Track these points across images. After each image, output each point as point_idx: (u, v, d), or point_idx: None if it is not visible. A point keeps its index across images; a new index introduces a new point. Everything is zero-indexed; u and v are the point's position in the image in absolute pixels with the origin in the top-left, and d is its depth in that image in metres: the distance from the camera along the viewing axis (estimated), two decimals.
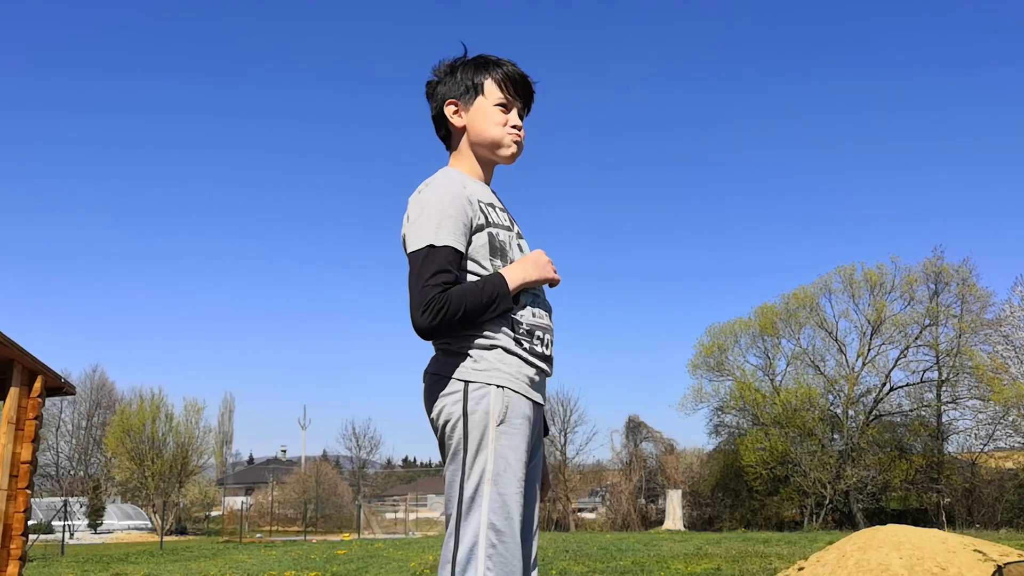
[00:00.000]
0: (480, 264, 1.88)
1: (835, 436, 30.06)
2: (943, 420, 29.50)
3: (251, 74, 66.31)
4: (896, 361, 29.72)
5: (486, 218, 1.92)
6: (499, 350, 1.83)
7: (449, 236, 1.80)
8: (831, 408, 30.33)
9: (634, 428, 34.63)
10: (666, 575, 9.60)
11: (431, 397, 1.86)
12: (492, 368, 1.81)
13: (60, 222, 63.41)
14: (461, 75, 2.03)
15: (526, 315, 1.90)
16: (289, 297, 73.77)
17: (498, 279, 1.82)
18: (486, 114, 2.01)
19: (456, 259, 1.81)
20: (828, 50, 54.98)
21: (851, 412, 29.71)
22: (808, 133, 55.15)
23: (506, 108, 2.03)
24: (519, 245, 2.00)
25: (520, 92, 2.05)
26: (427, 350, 1.92)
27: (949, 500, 28.33)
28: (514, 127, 2.03)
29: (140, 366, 74.55)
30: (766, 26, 57.43)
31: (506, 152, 2.04)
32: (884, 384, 29.97)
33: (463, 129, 2.03)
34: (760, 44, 57.37)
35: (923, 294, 29.63)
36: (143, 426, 35.67)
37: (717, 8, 60.10)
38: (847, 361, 30.67)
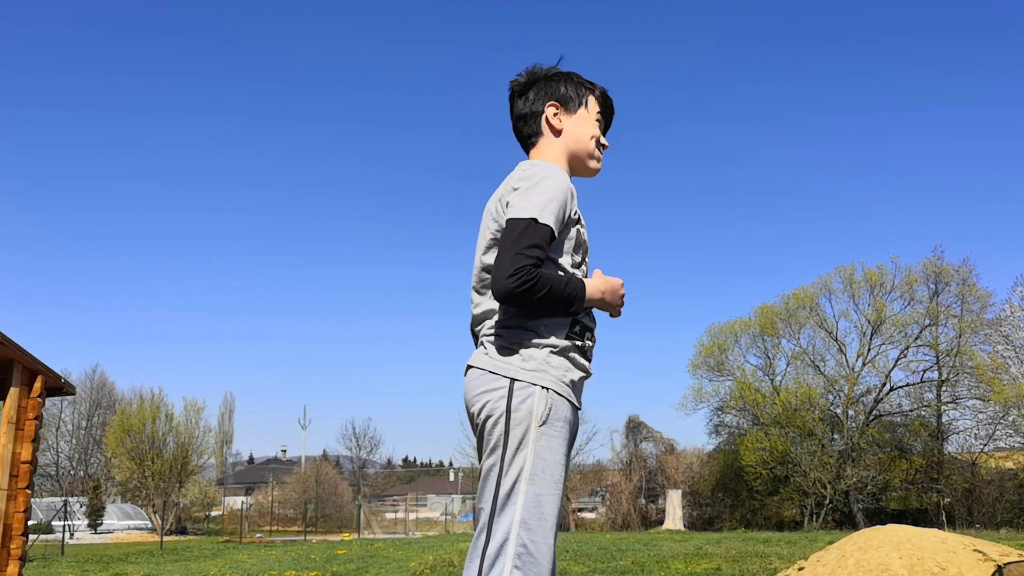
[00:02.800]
0: (563, 253, 1.93)
1: (835, 436, 30.06)
2: (943, 420, 29.51)
3: (250, 73, 66.34)
4: (896, 361, 29.75)
5: (579, 214, 1.99)
6: (548, 350, 1.85)
7: (552, 218, 1.84)
8: (831, 408, 30.33)
9: (634, 428, 34.62)
10: (666, 575, 9.60)
11: (474, 390, 1.86)
12: (539, 369, 1.83)
13: (60, 222, 63.46)
14: (564, 84, 2.10)
15: (583, 316, 1.95)
16: (289, 297, 73.80)
17: (581, 284, 1.87)
18: (587, 125, 2.09)
19: (550, 241, 1.84)
20: (828, 50, 55.01)
21: (851, 412, 29.71)
22: (808, 133, 55.18)
23: (599, 126, 2.12)
24: None
25: (608, 116, 2.16)
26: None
27: (949, 500, 28.33)
28: (603, 145, 2.13)
29: (140, 366, 74.61)
30: (766, 26, 57.46)
31: (594, 165, 2.12)
32: (884, 384, 29.99)
33: (559, 132, 2.08)
34: (760, 44, 57.40)
35: (923, 294, 29.67)
36: (143, 426, 35.65)
37: (719, 7, 60.13)
38: (847, 361, 30.69)
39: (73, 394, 8.54)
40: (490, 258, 1.93)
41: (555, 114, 2.07)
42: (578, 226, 1.97)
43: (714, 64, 59.17)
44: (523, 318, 1.85)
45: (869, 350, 30.00)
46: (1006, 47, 48.97)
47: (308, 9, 69.44)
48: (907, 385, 30.05)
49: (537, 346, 1.84)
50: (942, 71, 51.07)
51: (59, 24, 62.68)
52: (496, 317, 1.90)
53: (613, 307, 1.97)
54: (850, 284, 30.47)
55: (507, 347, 1.85)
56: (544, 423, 1.80)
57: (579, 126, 2.08)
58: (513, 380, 1.81)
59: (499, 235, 1.90)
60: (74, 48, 63.89)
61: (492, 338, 1.89)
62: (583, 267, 2.00)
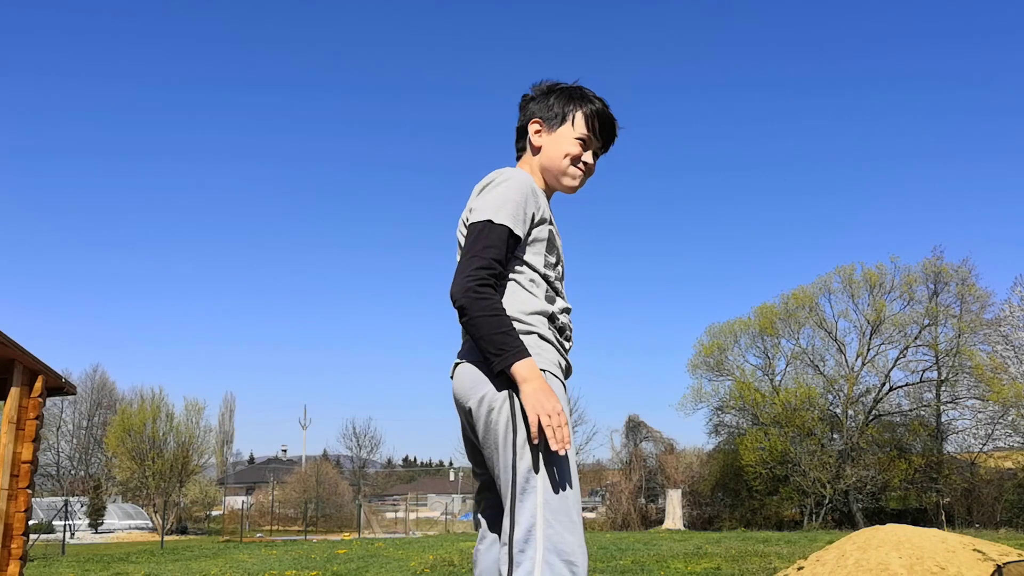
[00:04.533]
0: (536, 254, 1.94)
1: (835, 436, 30.06)
2: (942, 420, 29.51)
3: (250, 76, 66.33)
4: (895, 361, 29.76)
5: (550, 215, 2.00)
6: (536, 336, 1.87)
7: (508, 217, 1.85)
8: (831, 408, 30.33)
9: (634, 428, 34.63)
10: (666, 574, 9.61)
11: (470, 384, 1.86)
12: (533, 354, 1.83)
13: (61, 222, 63.47)
14: (554, 100, 2.11)
15: (559, 304, 1.97)
16: (289, 297, 73.80)
17: (521, 349, 1.76)
18: (564, 143, 2.09)
19: (509, 240, 1.85)
20: (828, 49, 55.00)
21: (851, 412, 29.71)
22: (808, 133, 55.18)
23: (585, 145, 2.10)
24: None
25: (604, 133, 2.13)
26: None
27: (948, 500, 28.33)
28: (584, 163, 2.10)
29: (141, 366, 74.56)
30: (766, 25, 57.47)
31: (567, 183, 2.11)
32: (883, 384, 29.99)
33: (538, 149, 2.11)
34: (760, 43, 57.40)
35: (922, 294, 29.67)
36: (144, 426, 35.65)
37: (718, 9, 60.14)
38: (846, 361, 30.70)
39: (74, 394, 8.55)
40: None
41: (536, 131, 2.11)
42: (548, 225, 1.97)
43: (714, 64, 59.20)
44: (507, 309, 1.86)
45: (868, 350, 30.02)
46: (1006, 47, 48.99)
47: (307, 11, 69.42)
48: (906, 385, 30.08)
49: (525, 333, 1.86)
50: (942, 71, 51.11)
51: (60, 29, 62.69)
52: None
53: (534, 417, 1.71)
54: (849, 284, 30.49)
55: None
56: None
57: (555, 144, 2.08)
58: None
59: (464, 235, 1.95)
60: (74, 51, 63.91)
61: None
62: (559, 267, 2.01)
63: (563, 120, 2.09)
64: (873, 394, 30.01)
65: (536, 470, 1.75)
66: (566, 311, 1.99)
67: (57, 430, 44.23)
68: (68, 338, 66.65)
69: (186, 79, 63.50)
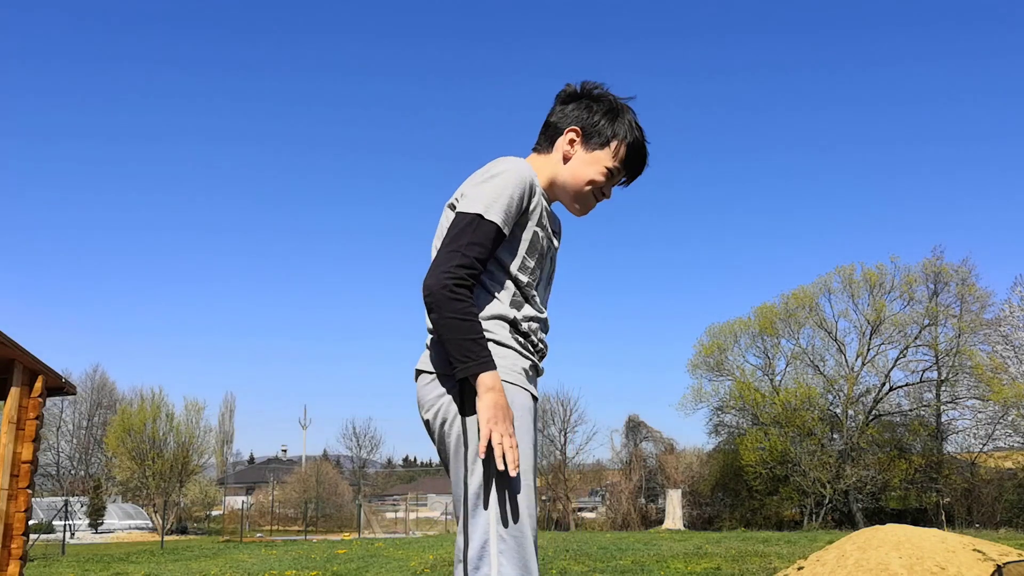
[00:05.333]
0: (510, 253, 1.82)
1: (835, 436, 30.07)
2: (942, 420, 29.53)
3: (253, 69, 66.30)
4: (895, 361, 29.78)
5: (541, 216, 1.86)
6: (492, 343, 1.75)
7: (500, 214, 1.74)
8: (831, 408, 30.34)
9: (634, 428, 34.67)
10: (666, 574, 9.61)
11: (426, 395, 1.81)
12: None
13: (61, 222, 63.47)
14: (603, 118, 1.95)
15: (526, 311, 1.84)
16: (290, 297, 73.80)
17: (488, 360, 1.68)
18: (593, 169, 1.95)
19: (496, 238, 1.75)
20: (828, 49, 55.01)
21: (851, 412, 29.72)
22: (808, 133, 55.19)
23: (612, 176, 1.97)
24: (552, 257, 1.97)
25: (634, 169, 2.01)
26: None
27: (948, 500, 28.34)
28: (602, 195, 1.99)
29: (140, 366, 74.57)
30: (765, 24, 57.47)
31: (577, 208, 2.00)
32: (883, 384, 30.00)
33: (566, 160, 1.96)
34: (759, 43, 57.40)
35: (922, 294, 29.69)
36: (144, 426, 35.66)
37: (717, 5, 60.15)
38: (846, 361, 30.71)
39: (74, 394, 8.55)
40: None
41: (572, 141, 1.96)
42: (536, 228, 1.85)
43: (714, 63, 59.20)
44: None
45: (868, 350, 30.04)
46: (1006, 47, 49.00)
47: (309, 3, 69.45)
48: (906, 385, 30.09)
49: None
50: (942, 71, 51.12)
51: (63, 18, 62.72)
52: None
53: (488, 421, 1.66)
54: (849, 284, 30.51)
55: None
56: None
57: (585, 166, 1.95)
58: (464, 379, 1.72)
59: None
60: (77, 43, 63.92)
61: (435, 338, 1.81)
62: (537, 272, 1.87)
63: (604, 144, 1.95)
64: (873, 394, 30.03)
65: (487, 486, 1.67)
66: (535, 320, 1.85)
67: (57, 430, 44.24)
68: (68, 338, 66.71)
69: (186, 79, 63.49)
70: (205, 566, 13.19)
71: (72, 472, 44.90)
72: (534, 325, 1.85)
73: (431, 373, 1.80)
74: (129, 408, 37.53)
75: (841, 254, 63.98)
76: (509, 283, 1.82)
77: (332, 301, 72.98)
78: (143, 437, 35.53)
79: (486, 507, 1.67)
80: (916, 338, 29.34)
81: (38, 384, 7.19)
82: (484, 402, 1.65)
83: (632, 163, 2.00)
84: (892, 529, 6.62)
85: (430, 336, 1.85)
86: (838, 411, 30.15)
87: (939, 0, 52.32)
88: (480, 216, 1.73)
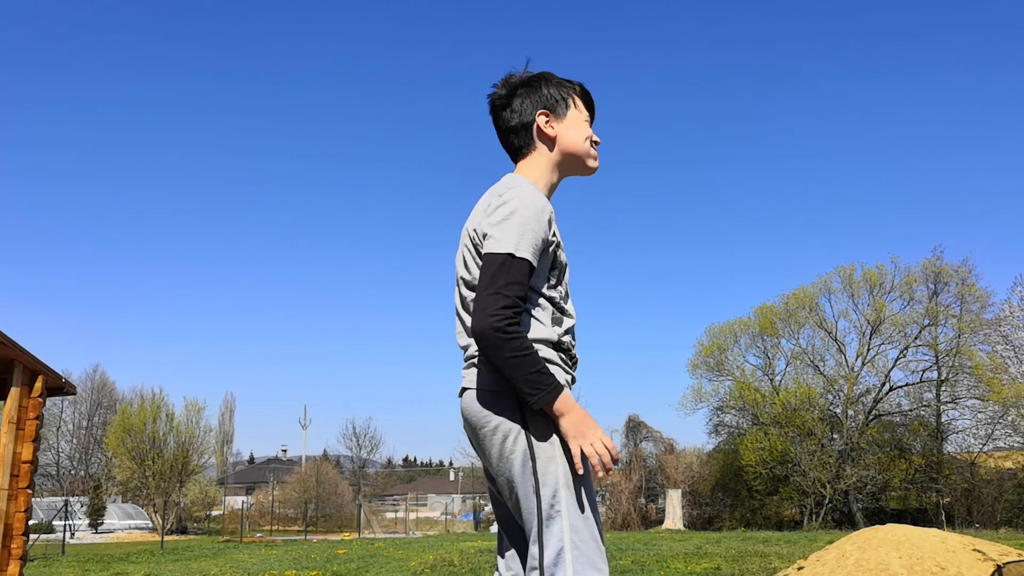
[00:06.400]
0: (539, 278, 1.90)
1: (835, 436, 30.06)
2: (942, 420, 29.51)
3: (251, 73, 66.32)
4: (895, 361, 29.75)
5: (556, 233, 1.94)
6: (544, 361, 1.84)
7: (529, 250, 1.81)
8: (831, 408, 30.33)
9: (634, 428, 34.63)
10: (666, 574, 9.62)
11: (480, 411, 1.85)
12: None
13: (61, 222, 63.47)
14: (547, 89, 2.07)
15: (566, 324, 1.94)
16: (290, 297, 73.80)
17: (555, 386, 1.76)
18: (579, 127, 2.07)
19: (529, 273, 1.82)
20: (828, 50, 55.01)
21: (851, 412, 29.71)
22: (808, 133, 55.19)
23: (589, 122, 2.11)
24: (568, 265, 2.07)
25: (592, 111, 2.14)
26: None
27: (948, 500, 28.33)
28: (596, 141, 2.11)
29: (141, 366, 74.63)
30: (765, 26, 57.47)
31: (592, 164, 2.11)
32: (883, 384, 29.99)
33: (554, 140, 2.06)
34: (759, 44, 57.41)
35: (922, 294, 29.66)
36: (144, 426, 35.65)
37: (717, 7, 60.15)
38: (846, 361, 30.70)
39: (74, 394, 8.55)
40: (473, 277, 1.92)
41: (547, 122, 2.05)
42: (558, 250, 1.94)
43: (713, 63, 59.20)
44: None
45: (868, 350, 30.02)
46: (1006, 47, 48.99)
47: (312, 8, 69.42)
48: (906, 385, 30.08)
49: None
50: (942, 71, 51.12)
51: (61, 24, 62.68)
52: None
53: (576, 437, 1.77)
54: (849, 284, 30.49)
55: None
56: None
57: (572, 129, 2.06)
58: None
59: (479, 258, 1.89)
60: (73, 48, 63.90)
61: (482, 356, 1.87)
62: (559, 288, 1.96)
63: (567, 105, 2.07)
64: (873, 394, 30.02)
65: (560, 495, 1.77)
66: (570, 331, 1.96)
67: (57, 430, 44.23)
68: (68, 338, 66.73)
69: (185, 76, 63.51)
70: (205, 566, 13.19)
71: (72, 472, 44.90)
72: (570, 338, 1.96)
73: (486, 391, 1.85)
74: (129, 408, 37.52)
75: (841, 254, 64.07)
76: (545, 302, 1.92)
77: (332, 301, 73.03)
78: (143, 437, 35.52)
79: (560, 516, 1.76)
80: (916, 338, 29.33)
81: (38, 384, 7.19)
82: (565, 424, 1.77)
83: (590, 107, 2.13)
84: (892, 529, 6.62)
85: (478, 355, 1.89)
86: (838, 411, 30.14)
87: (940, 3, 52.32)
88: (511, 256, 1.79)
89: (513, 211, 1.84)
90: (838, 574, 6.11)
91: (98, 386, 46.41)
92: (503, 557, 2.00)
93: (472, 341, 1.91)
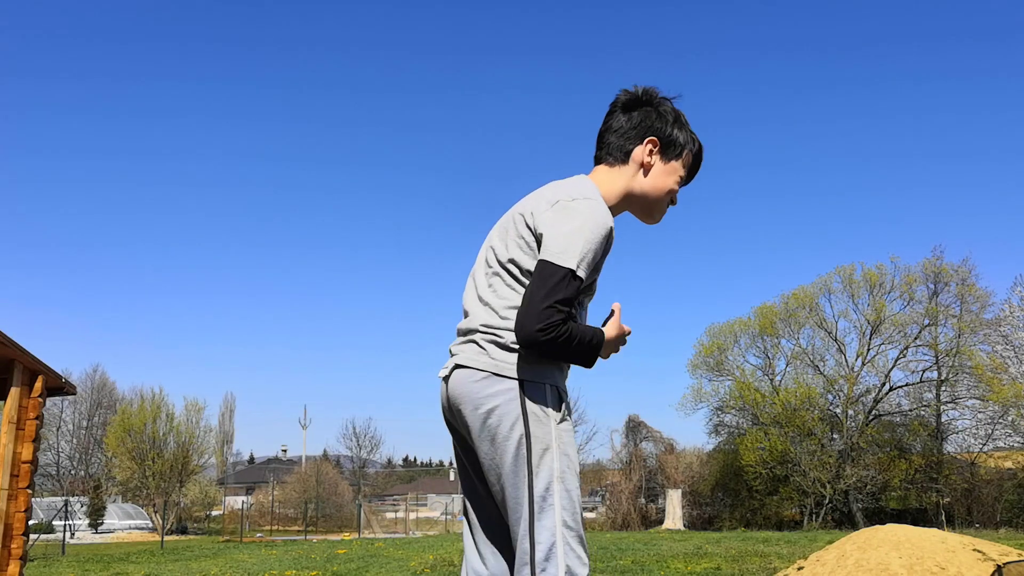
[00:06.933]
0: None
1: (835, 436, 30.06)
2: (942, 420, 29.52)
3: (251, 76, 66.30)
4: (895, 361, 29.76)
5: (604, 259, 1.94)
6: (545, 362, 1.84)
7: (586, 270, 1.80)
8: (831, 408, 30.33)
9: (634, 428, 34.61)
10: (666, 574, 9.62)
11: (476, 392, 1.80)
12: (542, 367, 1.81)
13: (61, 222, 63.47)
14: (673, 127, 2.00)
15: (580, 319, 1.96)
16: (290, 297, 73.81)
17: (602, 335, 1.85)
18: (671, 179, 2.01)
19: (581, 289, 1.81)
20: (827, 50, 55.01)
21: (851, 412, 29.72)
22: (808, 133, 55.20)
23: (682, 182, 2.05)
24: None
25: (694, 175, 2.09)
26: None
27: (948, 500, 28.33)
28: (673, 201, 2.06)
29: (141, 366, 74.65)
30: (765, 26, 57.48)
31: (656, 217, 2.07)
32: (883, 384, 29.99)
33: (642, 168, 2.00)
34: (759, 44, 57.42)
35: (922, 294, 29.68)
36: (144, 426, 35.66)
37: (717, 8, 60.15)
38: (846, 361, 30.70)
39: (74, 394, 8.55)
40: (512, 254, 1.87)
41: (651, 152, 1.99)
42: (595, 271, 1.92)
43: (712, 63, 59.20)
44: None
45: (868, 350, 30.02)
46: (1006, 47, 48.99)
47: (318, 14, 69.44)
48: (906, 385, 30.08)
49: (535, 362, 1.82)
50: (941, 71, 51.11)
51: (66, 26, 62.69)
52: (495, 320, 1.84)
53: (612, 352, 1.94)
54: (850, 284, 30.49)
55: (509, 348, 1.81)
56: (562, 420, 1.81)
57: (664, 175, 2.00)
58: (523, 381, 1.78)
59: (523, 240, 1.86)
60: (75, 53, 63.90)
61: (491, 338, 1.83)
62: (584, 304, 1.97)
63: (678, 154, 2.01)
64: (873, 394, 30.02)
65: (553, 488, 1.75)
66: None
67: (57, 430, 44.24)
68: (68, 338, 66.73)
69: (186, 80, 63.49)
70: (205, 566, 13.19)
71: (72, 472, 44.90)
72: None
73: (483, 371, 1.81)
74: (129, 408, 37.53)
75: (841, 254, 64.03)
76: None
77: (332, 301, 73.02)
78: (143, 437, 35.52)
79: (552, 510, 1.75)
80: (916, 338, 29.34)
81: (38, 384, 7.19)
82: (607, 348, 1.90)
83: (695, 171, 2.09)
84: (892, 529, 6.62)
85: (480, 334, 1.85)
86: (838, 411, 30.14)
87: (938, 3, 52.33)
88: (573, 272, 1.76)
89: (583, 225, 1.80)
90: (838, 574, 6.11)
91: (98, 386, 46.43)
92: (477, 547, 1.96)
93: (479, 313, 1.88)
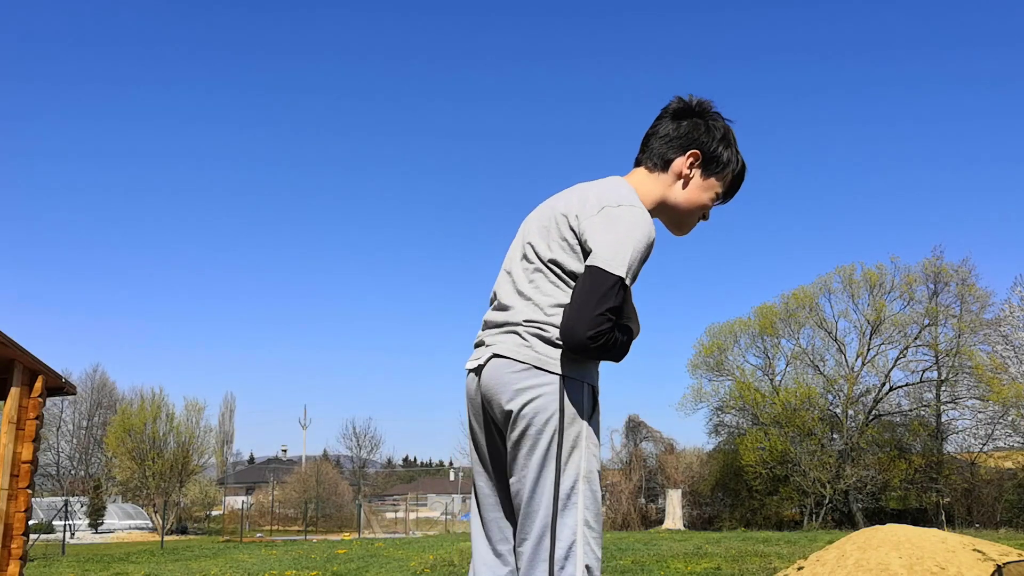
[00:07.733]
0: None
1: (835, 436, 30.06)
2: (942, 420, 29.52)
3: (251, 80, 66.32)
4: (895, 361, 29.76)
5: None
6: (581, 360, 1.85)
7: (632, 278, 1.80)
8: (831, 408, 30.33)
9: (634, 428, 34.61)
10: (666, 574, 9.62)
11: (513, 383, 1.79)
12: (582, 365, 1.81)
13: (61, 223, 63.48)
14: (719, 144, 1.97)
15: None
16: (289, 297, 73.83)
17: (631, 337, 1.89)
18: (707, 195, 2.00)
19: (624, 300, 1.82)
20: (827, 52, 55.02)
21: (851, 412, 29.72)
22: (808, 134, 55.21)
23: (717, 199, 2.03)
24: None
25: (732, 195, 2.07)
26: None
27: (948, 500, 28.34)
28: (705, 216, 2.05)
29: (141, 366, 74.67)
30: (765, 28, 57.49)
31: (685, 230, 2.06)
32: (883, 384, 29.99)
33: (680, 178, 1.98)
34: (759, 45, 57.43)
35: (922, 294, 29.68)
36: (144, 426, 35.67)
37: (717, 10, 60.17)
38: (846, 361, 30.70)
39: (74, 394, 8.55)
40: (555, 254, 1.85)
41: (692, 164, 1.97)
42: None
43: (712, 64, 59.20)
44: None
45: (868, 350, 30.02)
46: (1006, 47, 49.00)
47: (326, 20, 69.46)
48: (906, 385, 30.08)
49: (572, 360, 1.81)
50: (941, 72, 51.12)
51: (67, 29, 62.70)
52: (540, 315, 1.83)
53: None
54: (850, 284, 30.49)
55: (554, 343, 1.80)
56: (592, 419, 1.81)
57: (701, 189, 1.98)
58: (564, 377, 1.78)
59: (566, 242, 1.85)
60: (77, 57, 63.91)
61: (536, 332, 1.81)
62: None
63: (720, 171, 1.99)
64: (873, 394, 30.02)
65: (579, 487, 1.75)
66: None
67: (57, 430, 44.25)
68: (68, 338, 66.76)
69: (185, 80, 63.52)
70: (205, 566, 13.19)
71: (72, 472, 44.92)
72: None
73: (524, 363, 1.79)
74: (129, 408, 37.54)
75: (841, 254, 64.04)
76: None
77: (332, 301, 73.04)
78: (143, 437, 35.53)
79: (576, 508, 1.75)
80: (916, 338, 29.34)
81: (38, 384, 7.19)
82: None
83: (733, 191, 2.05)
84: (892, 529, 6.62)
85: (523, 327, 1.83)
86: (838, 411, 30.14)
87: (938, 4, 52.35)
88: (622, 281, 1.76)
89: (630, 233, 1.79)
90: (838, 574, 6.11)
91: (98, 386, 46.44)
92: (492, 546, 1.91)
93: (521, 307, 1.85)
